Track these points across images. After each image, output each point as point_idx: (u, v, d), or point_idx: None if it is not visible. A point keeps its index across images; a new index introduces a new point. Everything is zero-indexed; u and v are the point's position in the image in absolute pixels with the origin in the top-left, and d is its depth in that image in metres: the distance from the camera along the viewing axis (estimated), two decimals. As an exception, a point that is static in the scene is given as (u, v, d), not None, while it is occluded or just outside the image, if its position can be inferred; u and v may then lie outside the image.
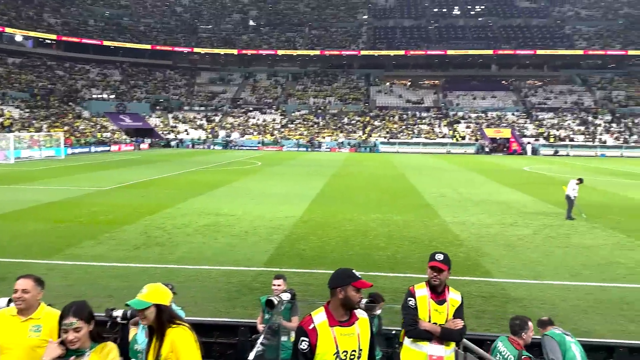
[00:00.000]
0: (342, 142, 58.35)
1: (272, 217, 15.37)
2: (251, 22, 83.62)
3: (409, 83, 74.49)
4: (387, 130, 60.60)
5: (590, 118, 60.35)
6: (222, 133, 61.12)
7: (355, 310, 3.07)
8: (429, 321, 3.79)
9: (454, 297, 3.91)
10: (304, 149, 56.69)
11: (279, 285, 5.28)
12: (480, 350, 4.30)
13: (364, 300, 4.21)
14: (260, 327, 5.20)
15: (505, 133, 57.61)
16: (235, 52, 75.66)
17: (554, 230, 14.15)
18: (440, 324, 3.79)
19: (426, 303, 3.84)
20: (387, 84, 73.75)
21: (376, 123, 62.75)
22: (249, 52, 75.99)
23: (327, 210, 16.79)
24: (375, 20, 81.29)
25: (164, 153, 48.28)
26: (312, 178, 27.24)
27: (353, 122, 63.53)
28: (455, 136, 58.34)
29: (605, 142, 55.03)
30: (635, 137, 55.60)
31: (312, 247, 11.88)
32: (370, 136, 59.42)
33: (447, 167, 36.95)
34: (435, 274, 3.83)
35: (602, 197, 20.71)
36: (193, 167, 32.58)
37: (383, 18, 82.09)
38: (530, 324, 4.28)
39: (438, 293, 3.87)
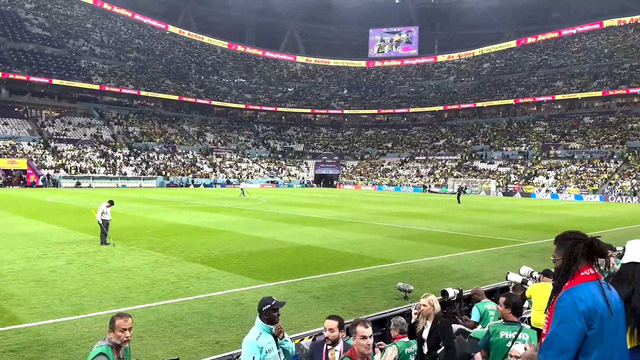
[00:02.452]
0: None
1: None
2: None
3: None
4: None
5: (110, 151, 62.25)
6: None
7: None
8: None
9: None
10: None
11: None
12: None
13: None
14: None
15: (22, 164, 51.77)
16: None
17: (90, 257, 12.78)
18: None
19: None
20: None
21: None
22: None
23: None
24: None
25: None
26: None
27: None
28: (-45, 167, 47.81)
29: (125, 173, 57.88)
30: (150, 169, 61.12)
31: None
32: None
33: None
34: None
35: (132, 221, 20.88)
36: None
37: None
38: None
39: None
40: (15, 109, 64.51)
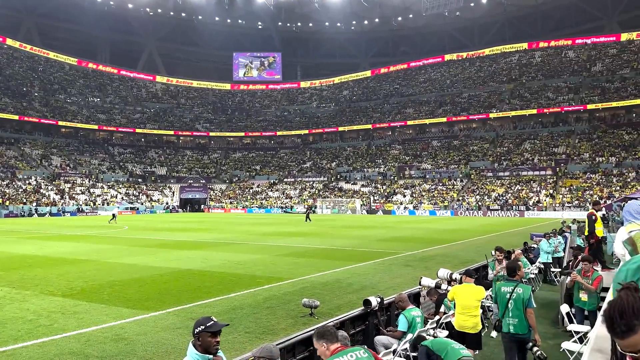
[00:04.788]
0: None
1: None
2: None
3: None
4: None
5: None
6: None
7: None
8: None
9: None
10: None
11: None
12: None
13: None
14: None
15: None
16: None
17: None
18: None
19: None
20: None
21: None
22: None
23: None
24: None
25: None
26: None
27: None
28: None
29: (-50, 203, 49.04)
30: (-17, 197, 52.73)
31: None
32: None
33: None
34: None
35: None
36: None
37: None
38: None
39: None
40: None
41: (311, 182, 73.75)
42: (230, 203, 70.45)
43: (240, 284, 11.77)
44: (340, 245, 20.89)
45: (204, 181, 76.36)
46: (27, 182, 60.16)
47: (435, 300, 7.34)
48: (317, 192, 69.85)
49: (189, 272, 13.86)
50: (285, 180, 76.41)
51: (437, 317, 6.83)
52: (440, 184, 64.47)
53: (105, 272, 13.82)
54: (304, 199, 67.89)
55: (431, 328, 6.52)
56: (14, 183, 58.58)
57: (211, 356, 3.07)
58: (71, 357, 6.56)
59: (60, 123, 74.69)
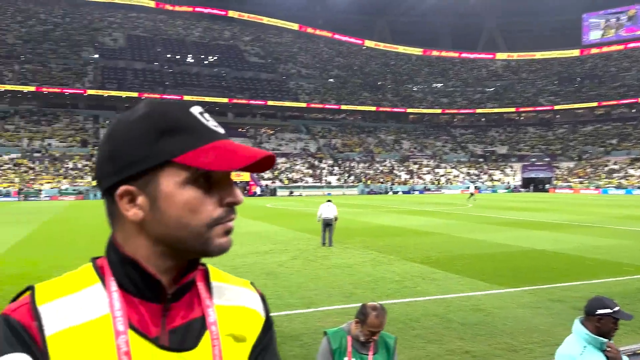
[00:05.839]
0: (66, 189, 49.84)
1: None
2: None
3: (144, 126, 69.58)
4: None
5: (316, 162, 66.47)
6: None
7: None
8: None
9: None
10: (15, 199, 46.28)
11: None
12: None
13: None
14: None
15: (245, 177, 58.43)
16: None
17: (311, 253, 12.95)
18: None
19: None
20: (119, 126, 67.40)
21: (107, 168, 55.93)
22: None
23: (29, 258, 12.15)
24: (103, 60, 74.63)
25: None
26: (14, 226, 21.02)
27: (79, 166, 55.37)
28: (195, 180, 56.17)
29: (330, 182, 61.05)
30: (352, 177, 63.38)
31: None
32: (100, 182, 52.42)
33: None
34: None
35: (343, 223, 21.06)
36: None
37: (112, 58, 76.01)
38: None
39: None
40: (239, 129, 73.71)
41: (692, 157, 59.06)
42: (580, 183, 63.37)
43: (602, 270, 10.41)
44: None
45: (548, 159, 71.10)
46: (383, 164, 69.05)
47: None
48: (701, 169, 55.52)
49: (541, 252, 13.13)
50: (654, 155, 63.57)
51: None
52: None
53: (455, 244, 14.51)
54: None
55: None
56: (373, 165, 68.18)
57: (607, 340, 2.76)
58: (436, 319, 7.12)
59: (408, 110, 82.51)
